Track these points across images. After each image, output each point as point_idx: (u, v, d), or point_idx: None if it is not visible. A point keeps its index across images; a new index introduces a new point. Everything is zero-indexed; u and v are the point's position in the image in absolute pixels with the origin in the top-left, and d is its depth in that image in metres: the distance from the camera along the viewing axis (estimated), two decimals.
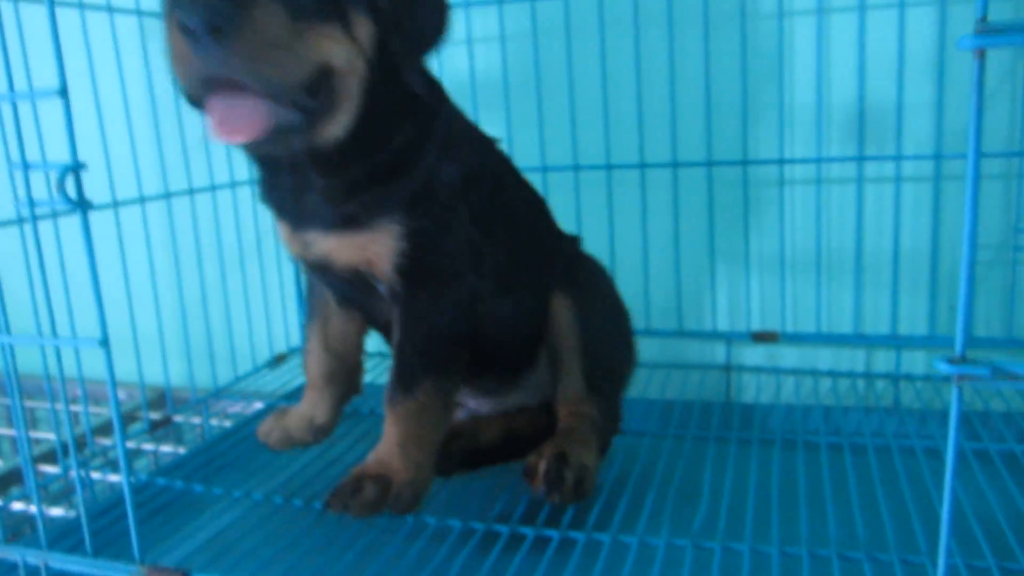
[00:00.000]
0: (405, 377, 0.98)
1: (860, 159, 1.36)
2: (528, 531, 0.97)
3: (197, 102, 0.81)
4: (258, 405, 1.49)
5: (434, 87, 1.00)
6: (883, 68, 1.34)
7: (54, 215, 1.04)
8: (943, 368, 0.54)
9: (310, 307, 1.15)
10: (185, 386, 1.48)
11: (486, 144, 1.08)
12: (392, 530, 1.00)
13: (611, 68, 1.45)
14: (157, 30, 1.37)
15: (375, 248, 0.95)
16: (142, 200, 1.29)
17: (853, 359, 1.47)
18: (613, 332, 1.17)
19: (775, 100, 1.40)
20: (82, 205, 0.72)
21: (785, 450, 1.17)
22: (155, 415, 1.64)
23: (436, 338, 0.98)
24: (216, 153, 1.51)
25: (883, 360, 1.45)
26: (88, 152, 1.19)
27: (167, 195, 1.35)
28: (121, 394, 1.77)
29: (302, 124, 0.83)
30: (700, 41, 1.39)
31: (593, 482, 1.03)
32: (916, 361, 1.43)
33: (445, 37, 0.93)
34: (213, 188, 1.47)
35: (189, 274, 1.44)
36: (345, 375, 1.17)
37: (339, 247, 0.96)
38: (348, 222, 0.94)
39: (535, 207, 1.16)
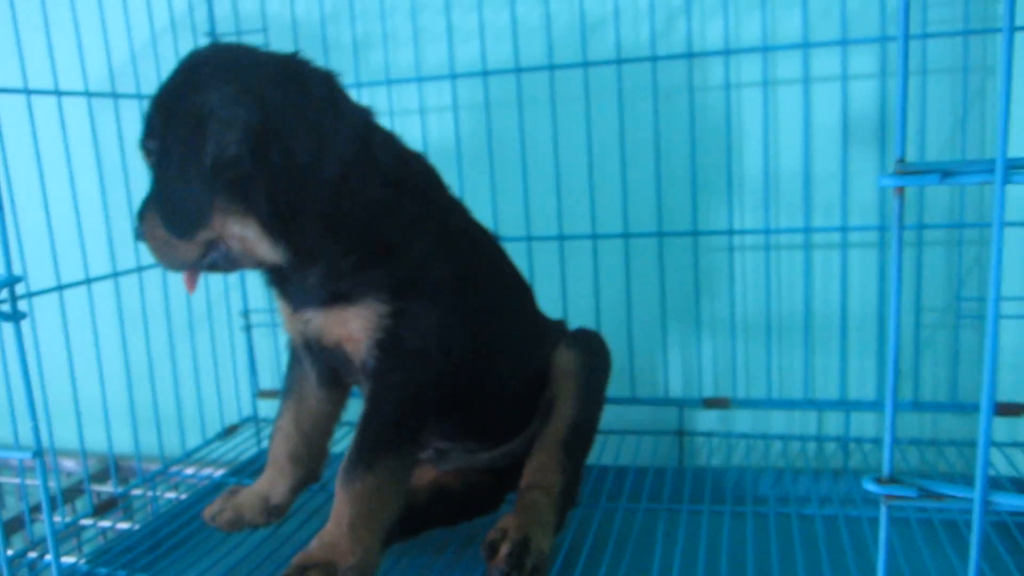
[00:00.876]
0: (366, 452, 0.98)
1: (807, 230, 1.39)
2: None
3: None
4: (216, 473, 1.48)
5: (430, 179, 1.07)
6: (828, 138, 1.38)
7: None
8: (872, 488, 0.55)
9: (287, 384, 1.16)
10: (135, 456, 1.45)
11: (481, 240, 1.13)
12: None
13: (562, 140, 1.47)
14: (105, 109, 1.41)
15: (358, 323, 0.98)
16: (88, 281, 1.28)
17: (804, 422, 1.48)
18: (600, 401, 1.20)
19: (724, 170, 1.42)
20: (15, 317, 0.71)
21: (734, 520, 1.18)
22: (103, 488, 1.62)
23: (403, 415, 1.00)
24: None
25: (833, 423, 1.47)
26: (33, 232, 1.21)
27: (115, 274, 1.34)
28: (72, 464, 1.74)
29: (227, 265, 1.00)
30: (650, 113, 1.42)
31: (547, 569, 1.03)
32: (865, 423, 1.45)
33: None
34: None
35: (137, 348, 1.42)
36: (309, 459, 1.16)
37: (328, 323, 1.01)
38: (338, 299, 0.99)
39: (522, 295, 1.20)
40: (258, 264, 0.99)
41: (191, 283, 1.03)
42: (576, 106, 1.46)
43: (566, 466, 1.11)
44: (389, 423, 0.99)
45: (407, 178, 1.03)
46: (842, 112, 1.34)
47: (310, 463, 1.16)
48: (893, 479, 0.54)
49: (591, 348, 1.20)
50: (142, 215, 0.99)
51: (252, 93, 0.91)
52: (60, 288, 1.23)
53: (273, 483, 1.15)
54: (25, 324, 0.73)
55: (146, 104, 0.97)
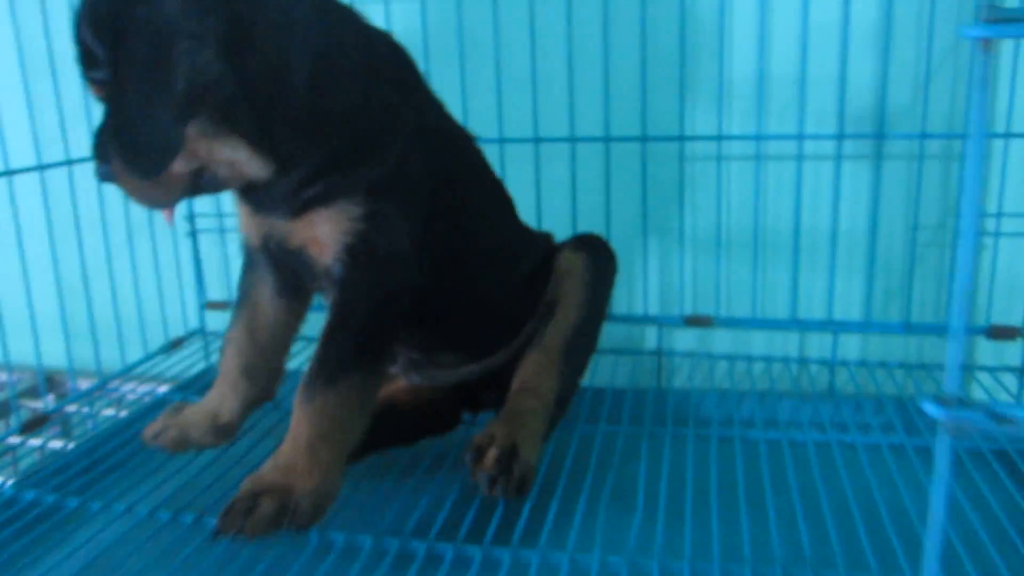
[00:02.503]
0: (329, 366, 0.89)
1: (800, 137, 1.29)
2: (447, 548, 0.88)
3: None
4: (160, 389, 1.37)
5: (403, 66, 0.97)
6: (826, 42, 1.27)
7: None
8: (932, 412, 0.46)
9: (241, 292, 1.05)
10: (74, 370, 1.33)
11: (460, 140, 1.03)
12: (296, 548, 0.89)
13: (540, 36, 1.34)
14: None
15: (327, 227, 0.90)
16: (9, 173, 1.13)
17: (787, 343, 1.41)
18: (605, 308, 1.15)
19: (715, 71, 1.31)
20: None
21: (723, 447, 1.11)
22: (35, 404, 1.50)
23: (373, 326, 0.92)
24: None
25: (817, 344, 1.40)
26: None
27: (40, 167, 1.19)
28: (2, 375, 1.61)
29: (213, 191, 0.93)
30: (636, 10, 1.29)
31: (534, 480, 0.97)
32: (850, 346, 1.38)
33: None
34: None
35: (69, 253, 1.29)
36: (265, 374, 1.06)
37: (294, 226, 0.92)
38: (308, 204, 0.90)
39: (502, 201, 1.12)
40: (245, 183, 0.90)
41: (171, 214, 0.94)
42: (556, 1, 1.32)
43: (564, 372, 1.05)
44: (356, 335, 0.90)
45: (380, 66, 0.92)
46: (842, 13, 1.23)
47: (264, 379, 1.06)
48: (961, 400, 0.45)
49: (599, 252, 1.14)
50: (103, 154, 0.85)
51: None
52: None
53: (223, 399, 1.05)
54: None
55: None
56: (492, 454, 0.94)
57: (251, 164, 0.87)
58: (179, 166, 0.85)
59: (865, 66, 1.27)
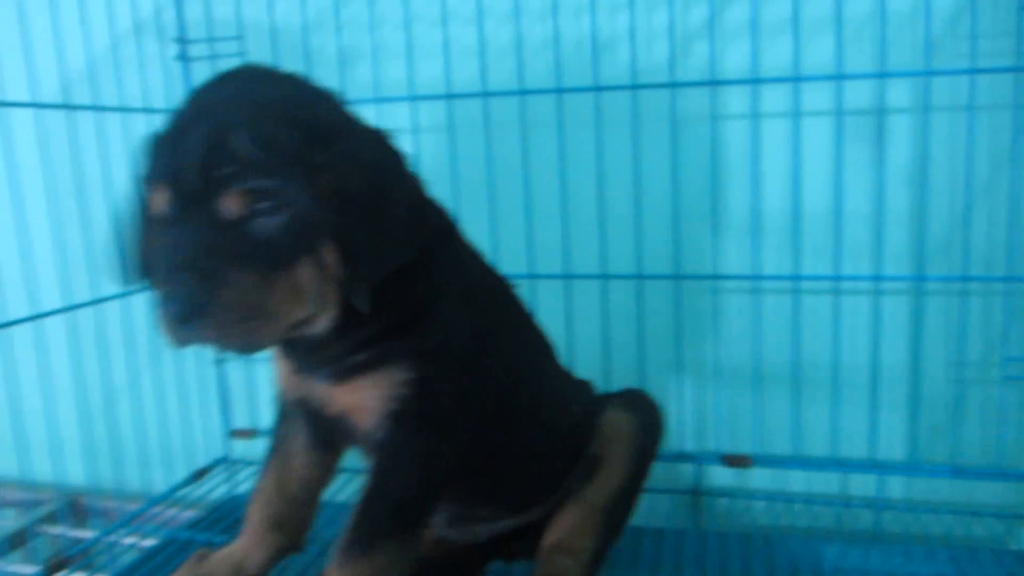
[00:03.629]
0: (366, 533, 0.87)
1: (837, 278, 1.26)
2: None
3: None
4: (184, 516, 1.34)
5: (446, 231, 0.94)
6: (859, 177, 1.25)
7: None
8: None
9: (274, 442, 1.03)
10: (102, 492, 1.30)
11: (500, 294, 1.02)
12: None
13: (571, 167, 1.34)
14: (57, 123, 1.25)
15: (373, 392, 0.88)
16: (36, 317, 1.13)
17: (826, 480, 1.36)
18: (648, 471, 1.12)
19: (747, 208, 1.29)
20: None
21: None
22: (57, 531, 1.47)
23: (414, 493, 0.89)
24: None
25: (859, 482, 1.34)
26: None
27: (72, 307, 1.19)
28: (23, 496, 1.58)
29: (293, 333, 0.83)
30: (666, 142, 1.29)
31: None
32: (895, 484, 1.32)
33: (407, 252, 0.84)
34: (124, 295, 1.31)
35: (94, 383, 1.27)
36: (293, 527, 1.02)
37: (337, 392, 0.89)
38: (355, 370, 0.88)
39: (545, 352, 1.09)
40: (303, 333, 0.84)
41: None
42: (585, 131, 1.32)
43: (602, 532, 1.03)
44: (395, 503, 0.88)
45: (432, 233, 0.91)
46: (878, 148, 1.22)
47: (292, 532, 1.03)
48: None
49: (647, 413, 1.13)
50: (217, 277, 0.74)
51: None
52: (5, 326, 1.07)
53: (248, 551, 1.02)
54: None
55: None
56: None
57: (328, 318, 0.84)
58: (282, 312, 0.79)
59: (900, 201, 1.25)
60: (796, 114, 1.24)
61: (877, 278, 1.25)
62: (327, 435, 1.00)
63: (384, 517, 0.88)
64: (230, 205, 0.75)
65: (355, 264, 0.79)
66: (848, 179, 1.25)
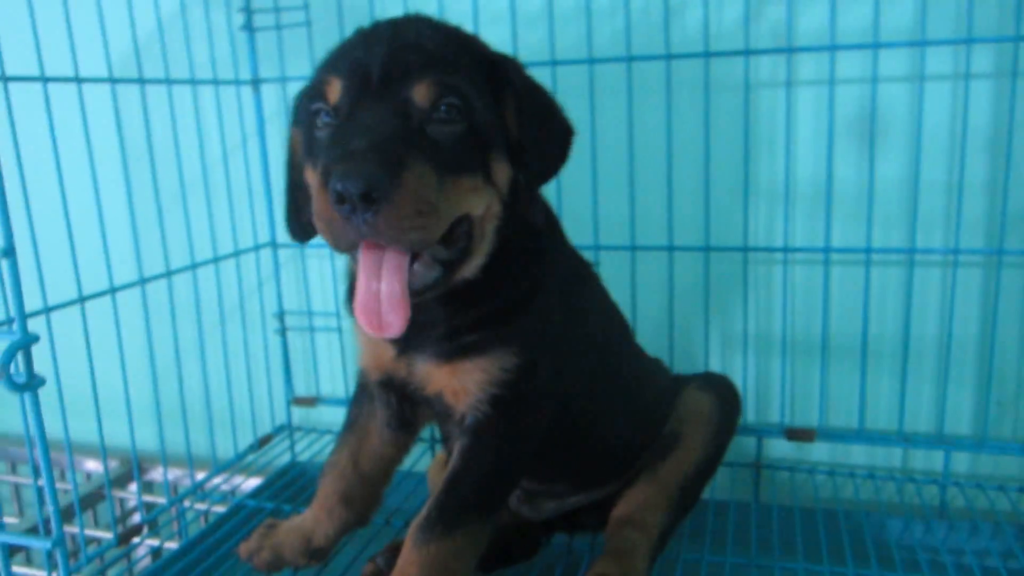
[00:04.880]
0: (450, 511, 0.88)
1: (911, 251, 1.24)
2: None
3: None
4: (249, 483, 1.37)
5: (549, 216, 0.96)
6: (939, 145, 1.22)
7: None
8: None
9: (350, 418, 1.05)
10: (171, 458, 1.34)
11: (586, 275, 1.03)
12: None
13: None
14: (131, 96, 1.26)
15: (478, 376, 0.88)
16: (113, 291, 1.15)
17: (888, 455, 1.35)
18: (723, 454, 1.14)
19: (823, 179, 1.27)
20: (31, 385, 0.58)
21: None
22: (126, 494, 1.51)
23: (500, 475, 0.91)
24: (196, 226, 1.36)
25: (924, 456, 1.33)
26: (51, 236, 1.08)
27: (142, 281, 1.20)
28: (94, 465, 1.63)
29: (440, 278, 0.81)
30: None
31: None
32: (961, 460, 1.31)
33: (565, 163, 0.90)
34: (193, 266, 1.33)
35: (165, 351, 1.29)
36: (363, 502, 1.04)
37: (439, 373, 0.89)
38: (463, 351, 0.88)
39: (625, 333, 1.11)
40: (456, 279, 0.85)
41: (404, 318, 0.78)
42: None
43: (674, 509, 1.05)
44: (482, 483, 0.89)
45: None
46: (960, 115, 1.19)
47: (362, 507, 1.04)
48: None
49: (725, 394, 1.14)
50: (403, 164, 0.71)
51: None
52: (82, 300, 1.09)
53: (318, 523, 1.04)
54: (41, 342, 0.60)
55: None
56: None
57: (482, 256, 0.86)
58: (453, 208, 0.78)
59: (979, 173, 1.22)
60: (874, 80, 1.21)
61: (956, 251, 1.22)
62: (409, 414, 1.01)
63: (469, 498, 0.89)
64: (420, 94, 0.76)
65: (529, 172, 0.84)
66: (927, 148, 1.22)
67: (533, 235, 0.90)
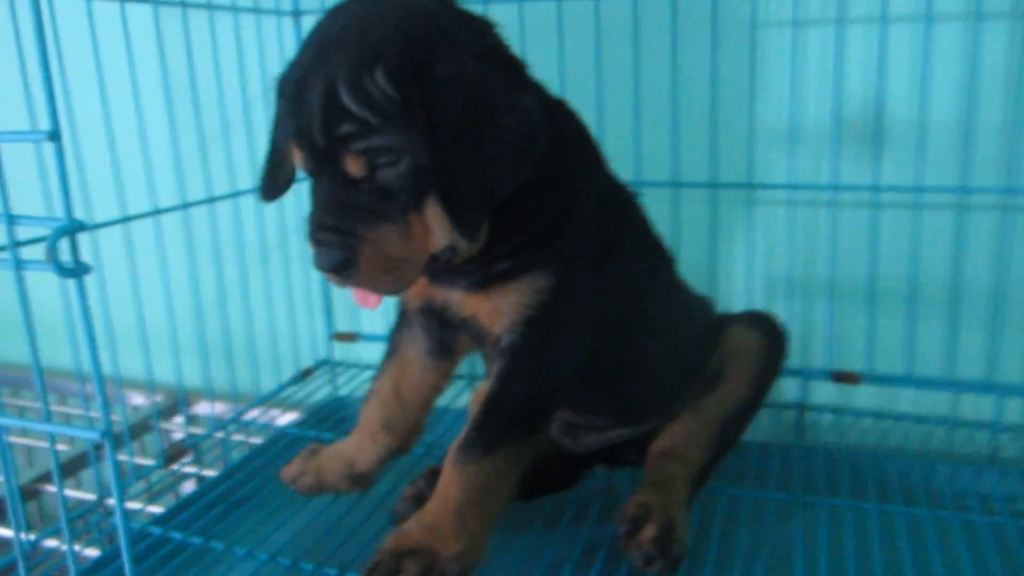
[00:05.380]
0: (489, 432, 0.88)
1: (963, 191, 1.20)
2: None
3: None
4: (288, 417, 1.39)
5: (584, 141, 0.93)
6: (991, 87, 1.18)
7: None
8: None
9: (392, 345, 1.04)
10: (214, 391, 1.36)
11: (628, 203, 1.00)
12: None
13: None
14: (173, 19, 1.25)
15: (512, 297, 0.88)
16: (156, 212, 1.15)
17: (935, 401, 1.31)
18: (767, 392, 1.11)
19: (874, 118, 1.23)
20: (78, 271, 0.58)
21: (882, 521, 1.03)
22: (171, 425, 1.53)
23: (538, 397, 0.90)
24: (237, 156, 1.36)
25: (973, 403, 1.30)
26: (95, 157, 1.08)
27: (184, 205, 1.21)
28: (140, 399, 1.65)
29: (451, 256, 0.84)
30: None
31: (685, 558, 0.93)
32: (1011, 407, 1.27)
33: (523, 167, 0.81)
34: (235, 195, 1.32)
35: (208, 282, 1.30)
36: (404, 430, 1.04)
37: (477, 300, 0.90)
38: (493, 279, 0.88)
39: (667, 263, 1.07)
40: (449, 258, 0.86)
41: (379, 300, 0.87)
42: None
43: (715, 444, 1.03)
44: (519, 405, 0.89)
45: (565, 137, 0.89)
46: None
47: (404, 434, 1.04)
48: None
49: (771, 332, 1.11)
50: (355, 232, 0.77)
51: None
52: (127, 220, 1.10)
53: (361, 449, 1.04)
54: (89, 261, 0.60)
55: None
56: (650, 533, 0.91)
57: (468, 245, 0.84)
58: (440, 240, 0.81)
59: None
60: (929, 18, 1.16)
61: (1011, 191, 1.18)
62: (449, 341, 1.00)
63: (507, 419, 0.89)
64: (351, 166, 0.77)
65: (452, 197, 0.77)
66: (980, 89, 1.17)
67: (565, 162, 0.88)
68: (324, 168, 0.78)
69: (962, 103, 1.19)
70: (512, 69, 0.83)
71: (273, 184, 0.90)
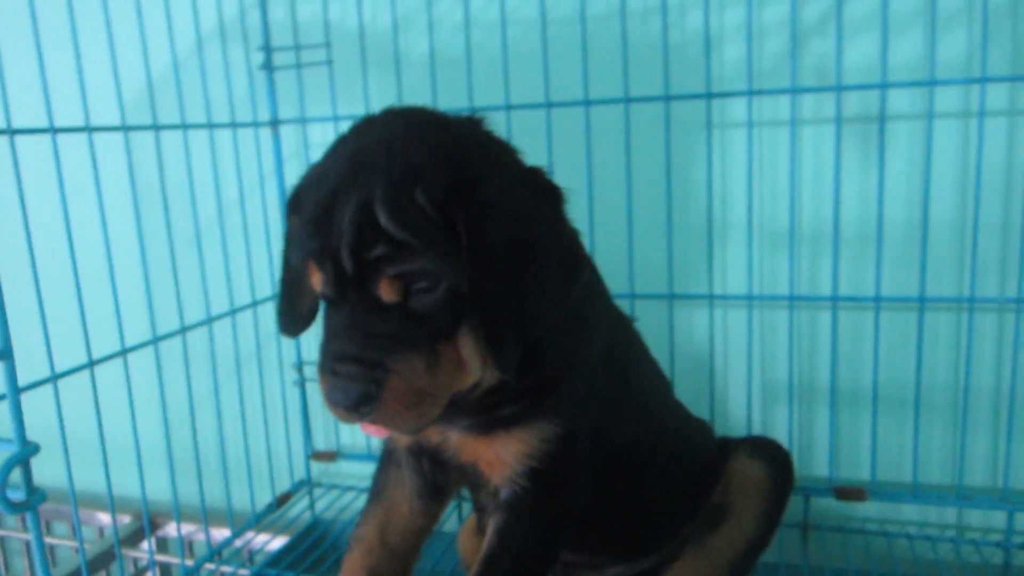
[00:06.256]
0: None
1: (971, 300, 1.17)
2: None
3: None
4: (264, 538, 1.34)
5: (594, 284, 0.89)
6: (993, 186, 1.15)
7: None
8: None
9: (376, 487, 0.97)
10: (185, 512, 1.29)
11: (627, 332, 0.97)
12: None
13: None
14: (144, 142, 1.21)
15: (516, 447, 0.83)
16: (124, 352, 1.08)
17: (941, 512, 1.27)
18: (777, 526, 1.05)
19: (873, 225, 1.20)
20: (31, 505, 0.52)
21: None
22: (138, 554, 1.45)
23: (539, 552, 0.85)
24: (214, 280, 1.30)
25: (978, 515, 1.25)
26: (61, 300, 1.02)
27: (155, 339, 1.15)
28: (105, 518, 1.56)
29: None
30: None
31: None
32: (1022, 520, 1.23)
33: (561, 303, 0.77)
34: (209, 320, 1.26)
35: (179, 404, 1.23)
36: None
37: (474, 444, 0.85)
38: (497, 424, 0.83)
39: (666, 394, 1.05)
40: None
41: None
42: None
43: None
44: (521, 562, 0.84)
45: (583, 275, 0.84)
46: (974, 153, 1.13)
47: None
48: None
49: (778, 462, 1.06)
50: (382, 363, 0.70)
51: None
52: (91, 364, 1.03)
53: None
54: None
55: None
56: None
57: (489, 380, 0.79)
58: (446, 390, 0.75)
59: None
60: (930, 116, 1.15)
61: (1017, 300, 1.15)
62: (441, 482, 0.95)
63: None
64: (385, 292, 0.70)
65: (491, 327, 0.72)
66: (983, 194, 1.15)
67: (578, 296, 0.82)
68: (347, 293, 0.71)
69: (961, 210, 1.17)
70: (553, 195, 0.79)
71: (294, 314, 0.83)
